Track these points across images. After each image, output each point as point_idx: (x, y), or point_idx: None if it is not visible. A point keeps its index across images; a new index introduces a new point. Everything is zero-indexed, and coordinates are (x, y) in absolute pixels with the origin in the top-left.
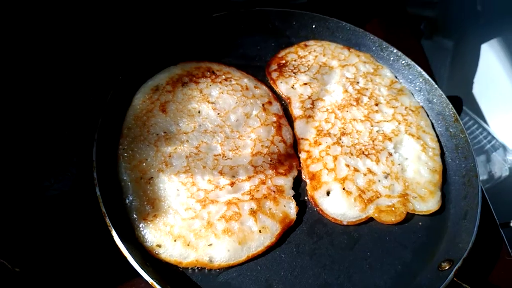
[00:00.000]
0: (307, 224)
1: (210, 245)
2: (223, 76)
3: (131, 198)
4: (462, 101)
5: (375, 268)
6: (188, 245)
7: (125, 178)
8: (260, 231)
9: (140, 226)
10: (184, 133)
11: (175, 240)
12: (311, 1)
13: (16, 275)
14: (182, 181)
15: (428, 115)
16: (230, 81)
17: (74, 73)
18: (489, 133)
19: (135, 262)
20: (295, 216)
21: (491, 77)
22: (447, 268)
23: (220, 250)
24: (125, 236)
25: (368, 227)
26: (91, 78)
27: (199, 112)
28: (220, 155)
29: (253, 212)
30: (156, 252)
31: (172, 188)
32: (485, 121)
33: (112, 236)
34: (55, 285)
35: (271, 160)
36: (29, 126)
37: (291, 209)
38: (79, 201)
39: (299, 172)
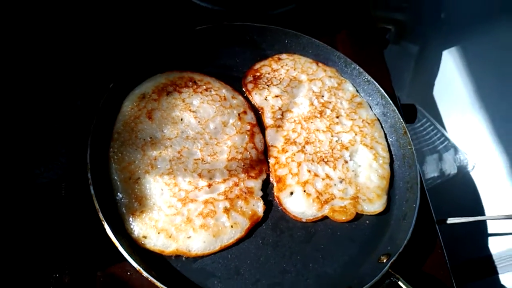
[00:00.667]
0: (272, 220)
1: (189, 237)
2: (204, 86)
3: (120, 195)
4: (416, 109)
5: (327, 259)
6: (170, 237)
7: (115, 177)
8: (232, 226)
9: (129, 220)
10: (168, 139)
11: (158, 233)
12: (285, 14)
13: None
14: (165, 182)
15: (382, 127)
16: (210, 91)
17: (65, 71)
18: (443, 135)
19: (124, 251)
20: (262, 214)
21: (449, 83)
22: (384, 261)
23: (197, 242)
24: (115, 228)
25: (323, 224)
26: (80, 76)
27: (181, 120)
28: (199, 159)
29: (226, 210)
30: (142, 242)
31: (157, 187)
32: (440, 123)
33: (105, 229)
34: (46, 263)
35: (244, 165)
36: (20, 118)
37: (259, 207)
38: (70, 190)
39: (268, 176)
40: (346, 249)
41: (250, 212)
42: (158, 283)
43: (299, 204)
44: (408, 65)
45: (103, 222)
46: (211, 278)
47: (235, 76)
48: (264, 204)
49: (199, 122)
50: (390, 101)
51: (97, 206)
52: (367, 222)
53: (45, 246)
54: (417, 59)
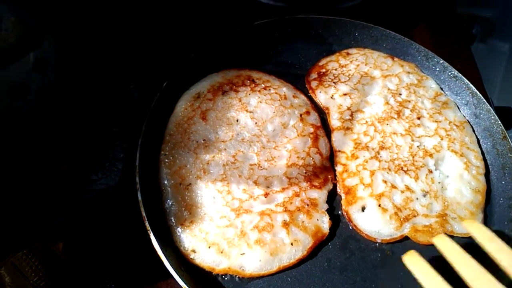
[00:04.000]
0: (339, 239)
1: (242, 254)
2: (263, 85)
3: (170, 203)
4: None
5: None
6: (222, 252)
7: (165, 182)
8: (292, 244)
9: (178, 230)
10: (222, 141)
11: (209, 247)
12: (356, 7)
13: (64, 262)
14: (218, 189)
15: (474, 131)
16: (269, 90)
17: (122, 76)
18: None
19: (170, 267)
20: (328, 231)
21: None
22: None
23: (252, 260)
24: (163, 240)
25: (403, 246)
26: (137, 80)
27: (237, 120)
28: (255, 164)
29: (285, 224)
30: (191, 257)
31: (208, 195)
32: None
33: (151, 240)
34: (96, 275)
35: (306, 172)
36: (80, 123)
37: (324, 223)
38: (124, 196)
39: (334, 186)
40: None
41: (313, 228)
42: None
43: (373, 221)
44: (498, 65)
45: (150, 233)
46: None
47: (298, 74)
48: (330, 219)
49: (256, 123)
50: (484, 100)
51: (144, 214)
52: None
53: (93, 256)
54: (509, 58)
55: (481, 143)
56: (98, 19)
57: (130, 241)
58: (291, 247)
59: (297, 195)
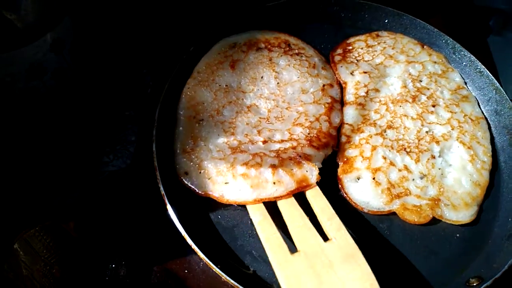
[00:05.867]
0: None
1: (226, 183)
2: (296, 51)
3: (180, 129)
4: None
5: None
6: (209, 179)
7: (181, 112)
8: (274, 183)
9: (178, 154)
10: (242, 91)
11: (200, 172)
12: None
13: (75, 241)
14: (224, 129)
15: (490, 128)
16: (301, 56)
17: (136, 60)
18: None
19: (179, 224)
20: (314, 182)
21: None
22: (475, 284)
23: (232, 189)
24: (169, 189)
25: (389, 221)
26: (151, 64)
27: (262, 77)
28: (265, 118)
29: (273, 166)
30: (182, 179)
31: (214, 132)
32: None
33: (159, 187)
34: (107, 253)
35: (309, 133)
36: (92, 106)
37: (313, 175)
38: (135, 178)
39: (334, 153)
40: (424, 261)
41: (300, 176)
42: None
43: (364, 192)
44: None
45: (157, 173)
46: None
47: (323, 53)
48: (319, 174)
49: (278, 83)
50: (507, 97)
51: (156, 164)
52: (457, 235)
53: (103, 235)
54: None
55: (498, 140)
56: (115, 2)
57: (141, 221)
58: (273, 185)
59: (293, 148)
